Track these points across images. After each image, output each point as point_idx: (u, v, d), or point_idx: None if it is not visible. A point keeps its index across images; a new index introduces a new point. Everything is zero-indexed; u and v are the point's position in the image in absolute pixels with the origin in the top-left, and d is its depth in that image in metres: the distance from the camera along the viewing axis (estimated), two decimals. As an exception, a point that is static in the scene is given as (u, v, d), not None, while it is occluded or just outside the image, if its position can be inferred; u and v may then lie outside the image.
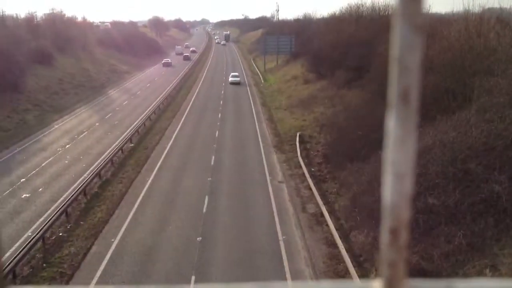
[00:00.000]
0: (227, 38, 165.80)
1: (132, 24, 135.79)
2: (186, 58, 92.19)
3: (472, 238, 14.34)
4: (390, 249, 0.56)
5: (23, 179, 24.69)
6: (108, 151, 29.20)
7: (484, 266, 13.31)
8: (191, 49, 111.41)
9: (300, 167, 25.39)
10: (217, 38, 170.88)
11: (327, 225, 18.45)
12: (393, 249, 0.56)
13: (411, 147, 0.55)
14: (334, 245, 16.91)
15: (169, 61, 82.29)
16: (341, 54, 40.68)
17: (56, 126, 37.57)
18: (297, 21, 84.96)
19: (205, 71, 74.14)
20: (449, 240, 14.60)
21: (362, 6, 49.02)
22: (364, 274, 14.85)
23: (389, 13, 43.68)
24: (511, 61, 20.23)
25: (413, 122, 0.54)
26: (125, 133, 33.49)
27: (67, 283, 15.31)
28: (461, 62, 23.14)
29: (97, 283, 15.01)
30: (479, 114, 18.40)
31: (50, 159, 28.21)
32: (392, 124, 0.55)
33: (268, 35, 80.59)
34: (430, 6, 33.51)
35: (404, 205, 0.55)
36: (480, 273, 13.27)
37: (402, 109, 0.54)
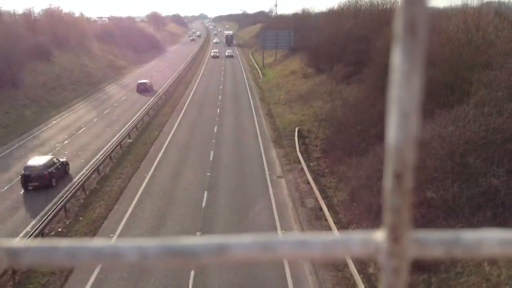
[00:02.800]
0: (229, 40, 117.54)
1: (130, 19, 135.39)
2: (193, 41, 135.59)
3: (471, 232, 14.37)
4: (394, 194, 0.54)
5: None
6: (106, 146, 29.16)
7: (482, 259, 13.35)
8: (197, 33, 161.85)
9: (299, 161, 25.39)
10: (216, 40, 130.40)
11: (326, 219, 18.47)
12: (397, 194, 0.54)
13: (417, 84, 0.52)
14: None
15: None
16: (340, 49, 40.63)
17: (54, 122, 37.50)
18: (295, 15, 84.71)
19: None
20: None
21: (361, 0, 48.90)
22: (362, 267, 14.89)
23: (388, 7, 43.59)
24: (509, 55, 20.23)
25: (420, 56, 0.51)
26: (124, 129, 33.43)
27: (66, 278, 15.32)
28: (459, 56, 23.13)
29: (96, 279, 15.04)
30: (477, 108, 18.42)
31: (48, 154, 28.14)
32: (397, 58, 0.52)
33: (266, 29, 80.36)
34: (428, 0, 33.46)
35: (409, 146, 0.53)
36: (478, 266, 13.32)
37: (409, 42, 0.51)
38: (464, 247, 0.53)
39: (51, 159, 23.43)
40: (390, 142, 0.53)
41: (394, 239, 0.52)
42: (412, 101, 0.53)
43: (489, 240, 0.53)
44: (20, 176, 22.42)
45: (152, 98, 44.63)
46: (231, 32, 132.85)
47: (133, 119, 36.50)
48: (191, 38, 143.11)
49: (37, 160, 23.19)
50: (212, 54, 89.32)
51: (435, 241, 0.53)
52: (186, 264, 0.55)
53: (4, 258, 0.56)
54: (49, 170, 22.42)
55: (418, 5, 0.51)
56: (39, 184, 21.98)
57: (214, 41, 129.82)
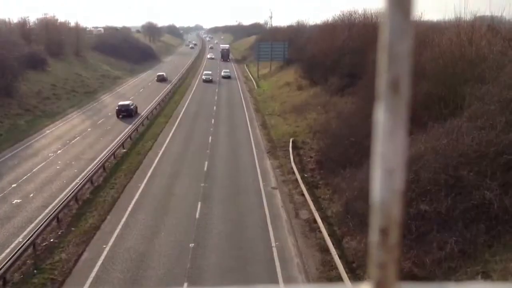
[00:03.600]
0: (225, 55, 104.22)
1: (126, 29, 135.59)
2: (192, 48, 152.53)
3: (464, 245, 14.38)
4: (380, 249, 0.53)
5: (14, 185, 24.46)
6: (100, 156, 29.03)
7: (476, 272, 13.34)
8: (193, 42, 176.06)
9: (293, 173, 25.38)
10: (210, 55, 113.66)
11: (320, 231, 18.43)
12: (383, 249, 0.52)
13: (401, 141, 0.51)
14: (327, 251, 16.87)
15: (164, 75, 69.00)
16: (334, 61, 40.86)
17: (48, 132, 37.32)
18: (290, 28, 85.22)
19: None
20: (441, 247, 14.63)
21: (355, 13, 49.29)
22: (357, 280, 14.82)
23: (381, 20, 43.89)
24: (502, 69, 20.41)
25: (403, 113, 0.50)
26: (118, 139, 33.32)
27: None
28: (452, 69, 23.30)
29: (88, 289, 14.89)
30: (470, 121, 18.51)
31: (41, 165, 27.99)
32: (381, 115, 0.51)
33: (261, 41, 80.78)
34: (422, 13, 33.71)
35: (394, 202, 0.51)
36: (472, 280, 13.30)
37: (392, 99, 0.50)
38: None
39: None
40: (375, 198, 0.52)
41: None
42: (396, 157, 0.51)
43: None
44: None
45: (147, 108, 44.54)
46: (227, 46, 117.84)
47: (127, 129, 36.40)
48: (190, 46, 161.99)
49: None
50: (204, 77, 66.07)
51: None
52: None
53: None
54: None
55: (401, 64, 0.51)
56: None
57: (208, 56, 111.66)
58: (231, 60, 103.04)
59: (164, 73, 68.62)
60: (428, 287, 0.54)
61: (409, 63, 0.49)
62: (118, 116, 41.17)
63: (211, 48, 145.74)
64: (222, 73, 72.35)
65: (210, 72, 70.25)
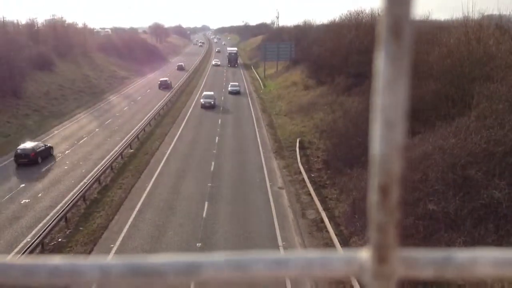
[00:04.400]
0: (233, 60, 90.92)
1: (133, 30, 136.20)
2: (200, 46, 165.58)
3: (473, 245, 14.28)
4: (379, 210, 0.50)
5: (23, 185, 24.62)
6: (107, 156, 29.14)
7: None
8: (201, 41, 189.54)
9: (300, 173, 25.34)
10: (216, 61, 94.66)
11: (327, 231, 18.38)
12: (383, 209, 0.50)
13: (402, 91, 0.48)
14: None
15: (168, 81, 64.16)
16: (341, 61, 40.74)
17: (56, 132, 37.53)
18: (297, 27, 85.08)
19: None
20: (449, 246, 14.54)
21: (362, 13, 49.09)
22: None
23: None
24: (510, 68, 20.27)
25: (405, 61, 0.47)
26: (125, 139, 33.45)
27: (65, 289, 15.24)
28: (460, 68, 23.17)
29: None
30: (478, 120, 18.40)
31: (49, 165, 28.15)
32: (381, 64, 0.48)
33: (268, 41, 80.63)
34: (429, 12, 33.59)
35: (395, 157, 0.49)
36: (480, 279, 13.21)
37: (393, 45, 0.47)
38: (456, 267, 0.50)
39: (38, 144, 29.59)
40: (375, 153, 0.50)
41: (380, 259, 0.49)
42: (397, 109, 0.49)
43: (482, 259, 0.50)
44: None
45: (154, 108, 44.70)
46: (235, 49, 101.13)
47: (135, 129, 36.53)
48: (199, 45, 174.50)
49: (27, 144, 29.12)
50: (202, 101, 47.39)
51: (425, 261, 0.50)
52: (153, 284, 0.52)
53: None
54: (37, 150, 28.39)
55: (403, 6, 0.46)
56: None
57: (213, 62, 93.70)
58: (239, 66, 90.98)
59: (167, 79, 63.00)
60: (433, 253, 0.52)
61: (411, 5, 0.45)
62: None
63: (218, 51, 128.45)
64: (229, 88, 56.01)
65: (211, 94, 49.26)
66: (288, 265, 0.52)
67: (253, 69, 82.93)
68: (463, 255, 0.51)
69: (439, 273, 0.50)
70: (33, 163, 27.59)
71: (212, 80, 69.49)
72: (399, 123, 0.49)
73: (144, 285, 0.53)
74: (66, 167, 27.71)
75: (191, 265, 0.53)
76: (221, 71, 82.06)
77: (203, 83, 66.95)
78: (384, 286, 0.50)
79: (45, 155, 29.08)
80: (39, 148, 28.77)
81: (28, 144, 28.87)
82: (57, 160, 29.27)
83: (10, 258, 0.54)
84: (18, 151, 28.07)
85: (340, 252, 0.52)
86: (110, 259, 0.55)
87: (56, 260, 0.54)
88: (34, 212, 21.05)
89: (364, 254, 0.51)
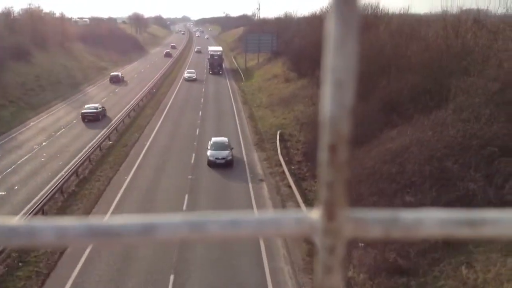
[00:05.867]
0: (216, 65, 66.07)
1: (111, 20, 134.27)
2: (183, 34, 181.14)
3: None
4: (328, 168, 0.52)
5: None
6: (85, 148, 28.78)
7: (460, 263, 13.53)
8: (182, 31, 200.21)
9: (281, 165, 25.43)
10: (189, 75, 60.60)
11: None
12: (331, 168, 0.52)
13: (352, 51, 0.50)
14: (313, 242, 16.93)
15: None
16: (322, 54, 40.81)
17: (33, 123, 36.89)
18: (278, 19, 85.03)
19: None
20: (425, 238, 14.79)
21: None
22: (342, 270, 14.93)
23: (368, 13, 44.03)
24: (487, 61, 20.61)
25: (355, 22, 0.48)
26: (103, 131, 33.06)
27: (43, 282, 15.06)
28: (438, 62, 23.48)
29: (73, 283, 14.82)
30: (455, 113, 18.70)
31: (26, 157, 27.68)
32: (331, 25, 0.49)
33: (249, 33, 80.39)
34: (409, 6, 33.89)
35: (344, 118, 0.50)
36: (456, 270, 13.49)
37: (343, 7, 0.48)
38: (403, 227, 0.52)
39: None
40: (325, 113, 0.51)
41: (329, 217, 0.50)
42: (347, 69, 0.50)
43: (428, 220, 0.52)
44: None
45: (133, 101, 44.24)
46: (220, 49, 72.67)
47: (113, 120, 36.14)
48: (182, 32, 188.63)
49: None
50: (186, 76, 46.55)
51: (373, 221, 0.51)
52: (109, 245, 0.53)
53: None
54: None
55: None
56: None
57: (186, 75, 60.36)
58: (224, 72, 65.79)
59: (119, 73, 60.73)
60: (381, 213, 0.53)
61: None
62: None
63: (198, 51, 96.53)
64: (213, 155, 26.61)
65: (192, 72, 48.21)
66: (242, 226, 0.52)
67: (233, 59, 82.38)
68: (409, 215, 0.52)
69: (386, 233, 0.51)
70: (96, 120, 36.19)
71: (181, 104, 43.94)
72: (348, 84, 0.50)
73: (101, 246, 0.53)
74: (43, 159, 27.27)
75: (147, 226, 0.53)
76: (197, 88, 54.56)
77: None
78: (333, 244, 0.51)
79: (104, 115, 37.76)
80: (99, 109, 37.59)
81: (92, 105, 38.11)
82: (33, 152, 28.79)
83: None
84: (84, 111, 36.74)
85: (291, 212, 0.52)
86: (67, 220, 0.54)
87: (13, 222, 0.53)
88: (10, 205, 20.70)
89: (315, 214, 0.51)
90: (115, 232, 0.53)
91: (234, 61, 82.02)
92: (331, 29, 0.50)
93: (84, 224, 0.53)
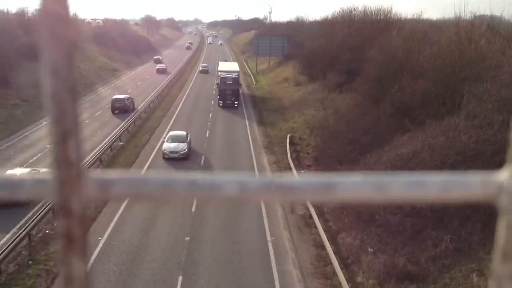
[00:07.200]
0: (228, 95, 42.56)
1: (124, 22, 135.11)
2: (195, 34, 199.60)
3: (459, 243, 14.44)
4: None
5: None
6: (97, 149, 28.96)
7: (470, 270, 13.41)
8: (194, 32, 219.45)
9: (290, 169, 25.40)
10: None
11: (315, 227, 18.46)
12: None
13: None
14: (322, 247, 16.91)
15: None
16: (333, 58, 40.83)
17: (45, 123, 37.12)
18: (289, 23, 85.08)
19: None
20: (436, 244, 14.69)
21: (354, 10, 49.22)
22: (351, 276, 14.87)
23: (381, 18, 43.94)
24: (500, 68, 20.44)
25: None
26: (115, 131, 33.25)
27: (52, 281, 15.15)
28: (451, 68, 23.33)
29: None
30: (468, 119, 18.56)
31: (38, 156, 27.92)
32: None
33: (260, 36, 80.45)
34: (421, 11, 33.75)
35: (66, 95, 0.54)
36: (466, 278, 13.37)
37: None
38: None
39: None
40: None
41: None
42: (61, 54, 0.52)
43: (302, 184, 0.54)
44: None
45: (145, 101, 44.45)
46: (236, 68, 48.91)
47: (125, 121, 36.35)
48: (194, 33, 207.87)
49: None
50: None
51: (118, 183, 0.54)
52: (291, 200, 0.53)
53: (95, 189, 0.54)
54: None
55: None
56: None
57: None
58: (240, 106, 43.92)
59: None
60: (125, 174, 0.56)
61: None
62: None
63: (204, 71, 69.25)
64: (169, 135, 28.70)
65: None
66: (426, 186, 0.53)
67: (244, 62, 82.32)
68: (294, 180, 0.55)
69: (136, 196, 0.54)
70: (126, 111, 39.30)
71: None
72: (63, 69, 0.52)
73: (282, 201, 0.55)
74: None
75: (329, 184, 0.53)
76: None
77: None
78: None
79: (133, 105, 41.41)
80: (129, 99, 41.35)
81: (121, 96, 41.91)
82: (45, 151, 29.01)
83: (147, 173, 0.56)
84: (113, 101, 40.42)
85: (476, 173, 0.51)
86: (246, 175, 0.56)
87: (193, 175, 0.55)
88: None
89: (502, 175, 0.52)
90: (298, 188, 0.54)
91: (245, 65, 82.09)
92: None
93: (266, 181, 0.55)
